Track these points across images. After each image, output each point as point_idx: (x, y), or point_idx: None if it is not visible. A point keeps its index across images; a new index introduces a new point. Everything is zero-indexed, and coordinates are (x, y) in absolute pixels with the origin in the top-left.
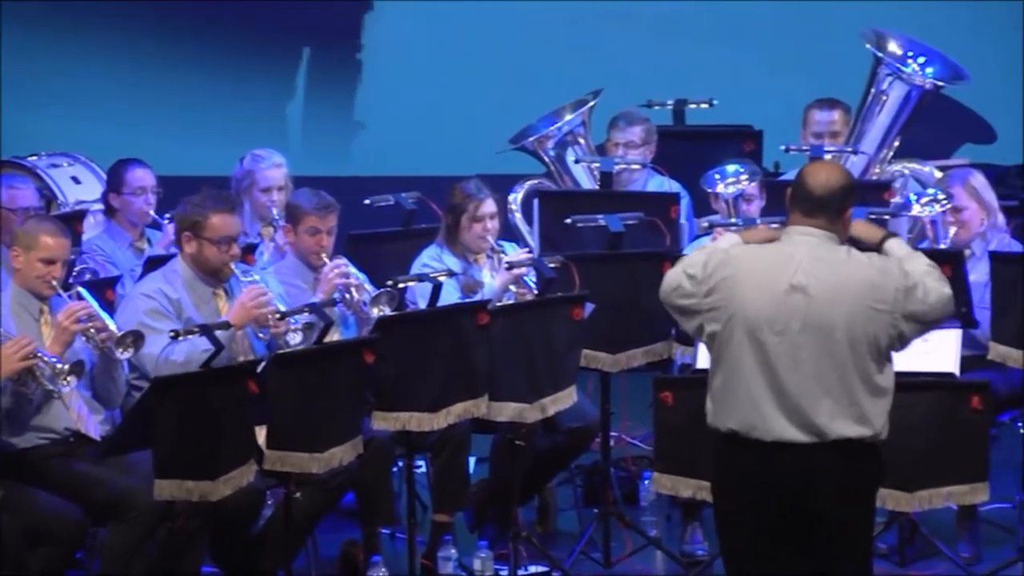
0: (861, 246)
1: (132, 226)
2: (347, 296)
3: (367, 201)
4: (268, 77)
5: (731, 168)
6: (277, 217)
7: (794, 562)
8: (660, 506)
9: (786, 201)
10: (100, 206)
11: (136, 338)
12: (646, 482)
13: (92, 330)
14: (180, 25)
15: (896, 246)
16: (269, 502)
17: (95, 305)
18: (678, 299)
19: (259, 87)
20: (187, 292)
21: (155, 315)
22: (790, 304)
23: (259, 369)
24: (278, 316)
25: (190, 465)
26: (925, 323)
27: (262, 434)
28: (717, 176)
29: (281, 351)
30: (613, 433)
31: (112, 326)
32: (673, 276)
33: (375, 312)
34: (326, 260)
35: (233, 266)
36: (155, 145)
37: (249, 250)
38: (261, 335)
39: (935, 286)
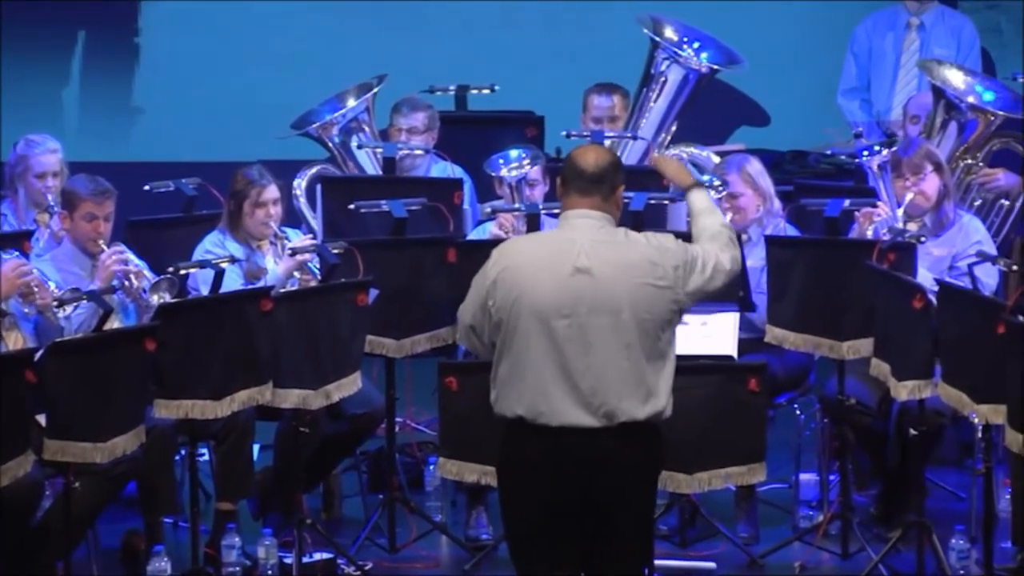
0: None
1: None
2: (126, 283)
3: (146, 187)
4: (42, 61)
5: (514, 153)
6: (53, 203)
7: (578, 545)
8: (445, 491)
9: (557, 188)
10: None
11: None
12: (431, 467)
13: None
14: None
15: (696, 199)
16: (48, 492)
17: None
18: (476, 342)
19: (33, 71)
20: None
21: None
22: (576, 287)
23: (36, 358)
24: (55, 304)
25: None
26: (707, 292)
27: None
28: (501, 161)
29: (60, 340)
30: (398, 419)
31: None
32: (461, 330)
33: (155, 299)
34: (104, 247)
35: None
36: None
37: (25, 236)
38: (27, 310)
39: (720, 258)
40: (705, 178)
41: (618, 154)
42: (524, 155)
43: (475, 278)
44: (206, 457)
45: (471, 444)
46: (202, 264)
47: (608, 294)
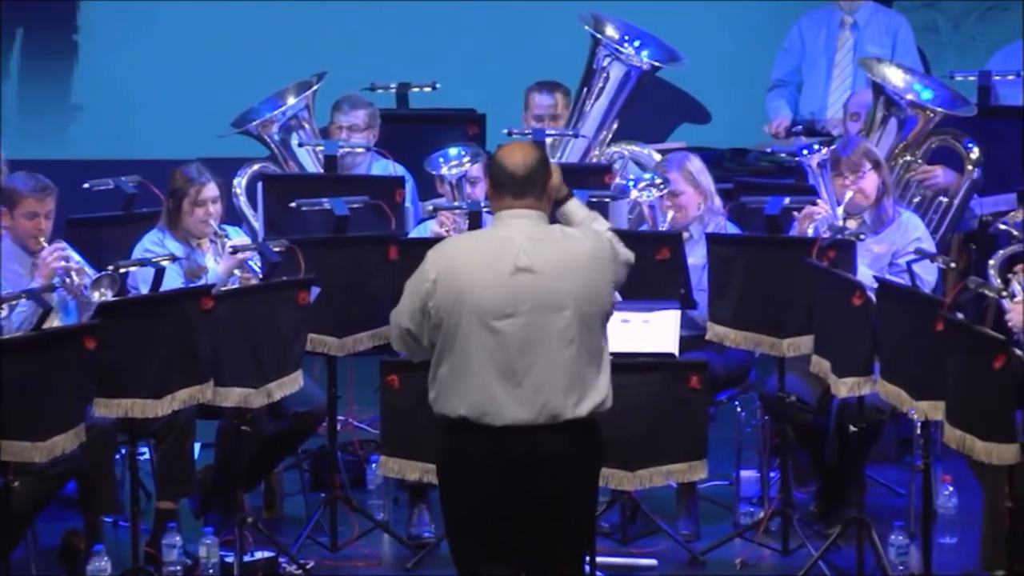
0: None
1: None
2: (67, 280)
3: (86, 185)
4: None
5: (454, 151)
6: None
7: (519, 543)
8: (387, 489)
9: (488, 190)
10: None
11: None
12: (373, 466)
13: None
14: None
15: (576, 207)
16: None
17: None
18: (413, 346)
19: None
20: None
21: None
22: (517, 286)
23: None
24: None
25: None
26: (619, 284)
27: None
28: (441, 159)
29: None
30: (340, 417)
31: None
32: (396, 335)
33: (96, 296)
34: (44, 244)
35: None
36: None
37: None
38: None
39: (623, 250)
40: (647, 176)
41: (559, 152)
42: (464, 153)
43: (409, 282)
44: (146, 456)
45: (413, 442)
46: (142, 262)
47: (550, 292)
